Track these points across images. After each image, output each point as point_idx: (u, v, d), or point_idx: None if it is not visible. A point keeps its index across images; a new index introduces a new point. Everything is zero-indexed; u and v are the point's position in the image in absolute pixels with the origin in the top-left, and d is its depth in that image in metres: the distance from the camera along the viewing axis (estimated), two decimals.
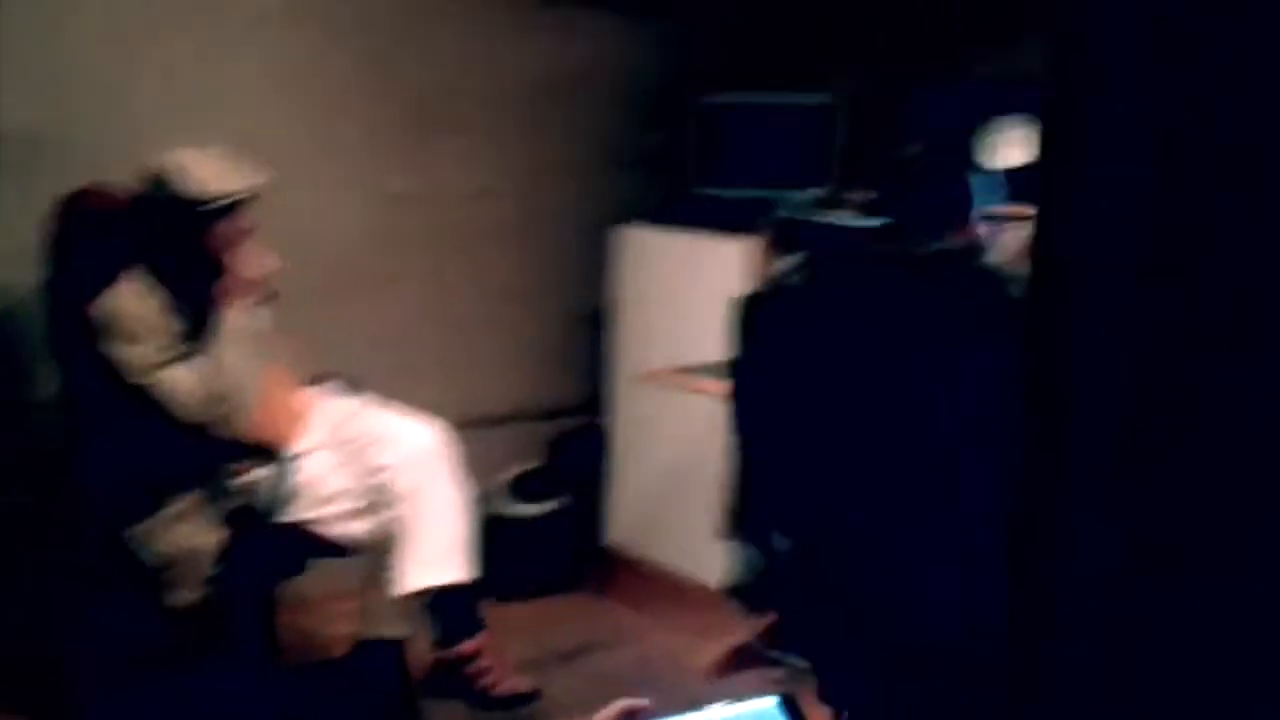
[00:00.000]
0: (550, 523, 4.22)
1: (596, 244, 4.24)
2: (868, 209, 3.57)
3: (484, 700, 2.93)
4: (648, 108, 4.33)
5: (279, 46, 3.61)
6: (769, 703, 0.94)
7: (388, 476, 2.91)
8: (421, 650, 3.01)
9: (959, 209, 2.61)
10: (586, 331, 4.36)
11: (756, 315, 2.27)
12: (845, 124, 4.09)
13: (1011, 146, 3.72)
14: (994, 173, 2.90)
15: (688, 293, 3.96)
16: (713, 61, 4.35)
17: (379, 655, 3.10)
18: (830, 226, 2.65)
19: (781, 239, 2.59)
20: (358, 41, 3.77)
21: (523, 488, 4.21)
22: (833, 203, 3.96)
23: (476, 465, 3.25)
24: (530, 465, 4.28)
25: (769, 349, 2.25)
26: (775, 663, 3.12)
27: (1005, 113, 3.74)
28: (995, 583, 0.73)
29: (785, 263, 2.46)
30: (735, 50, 4.37)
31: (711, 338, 3.51)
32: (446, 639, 2.92)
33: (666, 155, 4.26)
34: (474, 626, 2.94)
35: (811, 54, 4.38)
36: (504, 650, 3.03)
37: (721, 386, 3.12)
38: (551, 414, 4.36)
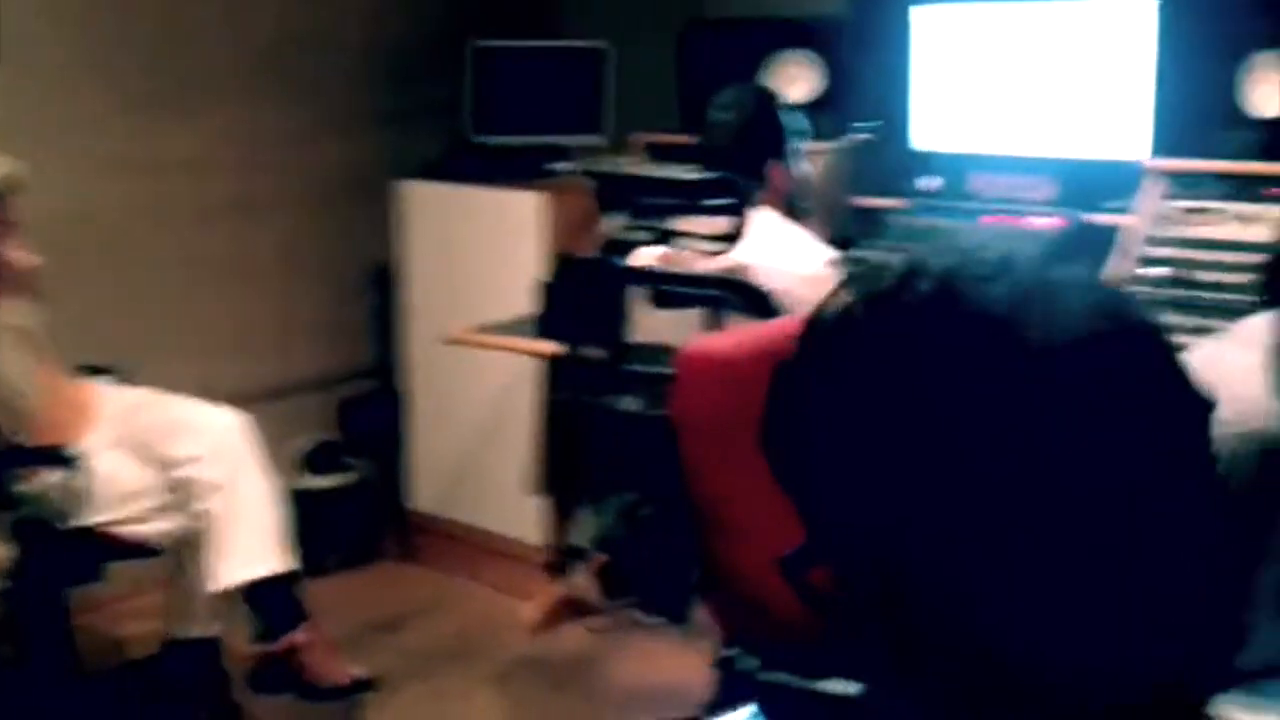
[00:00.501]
0: (348, 493, 4.09)
1: (375, 203, 4.08)
2: (661, 156, 3.56)
3: (314, 692, 2.81)
4: (420, 55, 4.18)
5: (10, 24, 3.32)
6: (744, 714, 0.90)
7: (191, 469, 2.73)
8: (243, 646, 2.86)
9: (778, 150, 2.61)
10: (372, 294, 4.21)
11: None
12: (616, 69, 4.05)
13: (796, 82, 3.74)
14: (794, 108, 2.90)
15: (479, 249, 3.86)
16: (489, 5, 4.22)
17: (189, 655, 2.94)
18: (655, 179, 2.63)
19: (605, 194, 2.54)
20: (100, 12, 3.50)
21: (315, 460, 4.05)
22: (617, 149, 3.92)
23: (263, 441, 3.10)
24: (321, 436, 4.12)
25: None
26: (604, 611, 3.11)
27: (783, 49, 3.76)
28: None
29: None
30: None
31: (508, 294, 3.44)
32: (269, 633, 2.78)
33: (444, 105, 4.12)
34: (297, 617, 2.80)
35: None
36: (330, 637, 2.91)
37: (527, 345, 3.06)
38: (340, 380, 4.21)
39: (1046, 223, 3.20)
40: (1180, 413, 0.73)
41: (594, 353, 2.54)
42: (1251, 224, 2.83)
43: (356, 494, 4.12)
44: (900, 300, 0.74)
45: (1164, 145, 3.18)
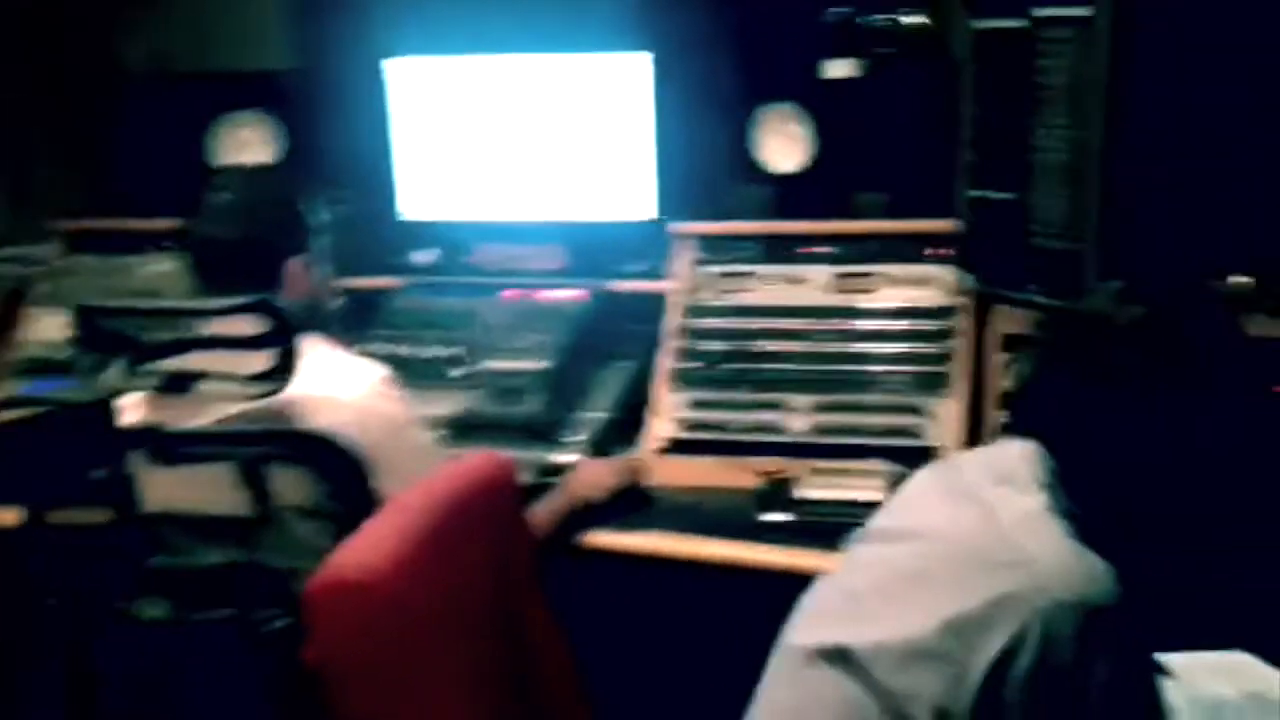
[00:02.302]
0: None
1: None
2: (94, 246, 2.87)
3: None
4: None
5: None
6: None
7: None
8: None
9: (298, 245, 2.10)
10: None
11: None
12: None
13: (250, 146, 3.20)
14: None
15: None
16: None
17: None
18: (162, 310, 2.04)
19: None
20: None
21: None
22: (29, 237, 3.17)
23: None
24: None
25: None
26: None
27: (231, 110, 3.20)
28: None
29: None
30: None
31: None
32: None
33: None
34: None
35: None
36: None
37: None
38: None
39: (568, 295, 2.91)
40: None
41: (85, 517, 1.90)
42: (798, 285, 2.69)
43: None
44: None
45: (672, 206, 3.00)
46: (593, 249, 3.06)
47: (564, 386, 2.70)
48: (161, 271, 3.00)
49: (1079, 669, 1.29)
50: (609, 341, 2.85)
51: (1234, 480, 1.38)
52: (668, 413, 2.60)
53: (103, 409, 1.82)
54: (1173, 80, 2.25)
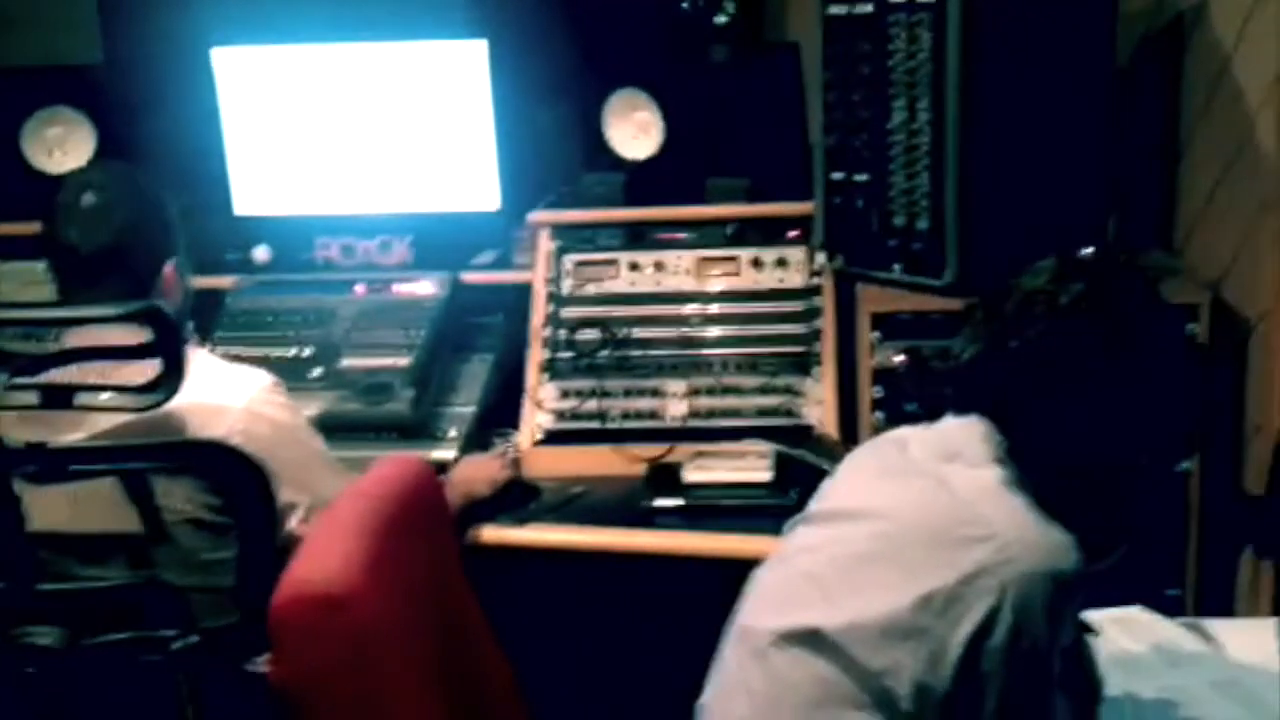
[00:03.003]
0: None
1: None
2: None
3: None
4: None
5: None
6: None
7: None
8: None
9: (170, 247, 1.98)
10: None
11: None
12: None
13: (66, 144, 3.00)
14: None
15: None
16: None
17: None
18: (44, 319, 1.89)
19: None
20: None
21: None
22: None
23: None
24: None
25: None
26: None
27: (42, 106, 3.00)
28: None
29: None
30: None
31: None
32: None
33: None
34: None
35: None
36: None
37: None
38: None
39: (421, 289, 2.84)
40: None
41: None
42: (661, 272, 2.70)
43: None
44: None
45: (514, 195, 2.96)
46: (437, 241, 3.00)
47: (428, 382, 2.64)
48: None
49: (1049, 637, 1.33)
50: (463, 334, 2.80)
51: (1169, 438, 1.46)
52: (542, 404, 2.58)
53: None
54: (1021, 60, 2.35)
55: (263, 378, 1.99)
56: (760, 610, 1.53)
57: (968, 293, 2.38)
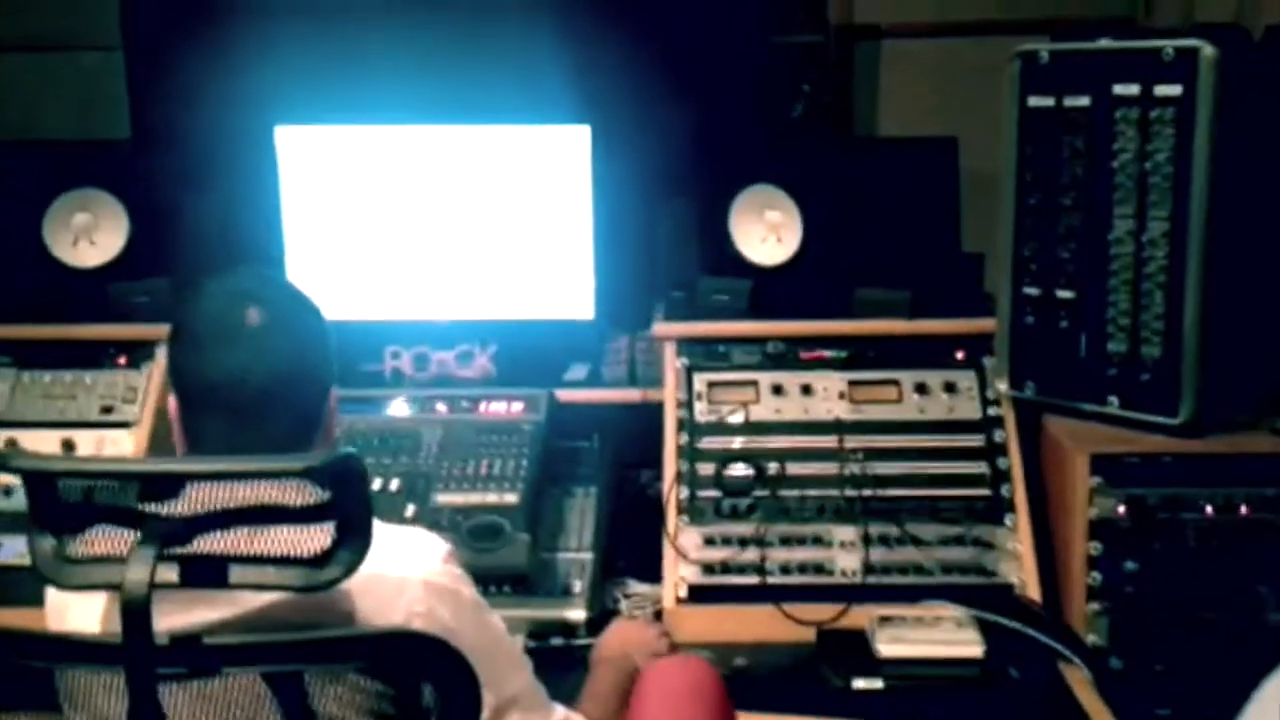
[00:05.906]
0: None
1: None
2: None
3: None
4: None
5: None
6: None
7: None
8: None
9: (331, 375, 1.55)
10: None
11: None
12: None
13: (95, 233, 2.56)
14: None
15: None
16: None
17: None
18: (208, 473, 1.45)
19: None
20: None
21: None
22: None
23: None
24: None
25: None
26: None
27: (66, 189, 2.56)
28: None
29: None
30: None
31: None
32: None
33: None
34: None
35: None
36: None
37: None
38: None
39: (515, 409, 2.44)
40: None
41: None
42: (809, 397, 2.33)
43: None
44: None
45: (610, 303, 2.60)
46: (520, 353, 2.61)
47: (540, 523, 2.23)
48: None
49: None
50: (557, 462, 2.41)
51: None
52: (686, 553, 2.18)
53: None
54: (1273, 163, 2.06)
55: (436, 542, 1.56)
56: None
57: (1200, 432, 2.07)
